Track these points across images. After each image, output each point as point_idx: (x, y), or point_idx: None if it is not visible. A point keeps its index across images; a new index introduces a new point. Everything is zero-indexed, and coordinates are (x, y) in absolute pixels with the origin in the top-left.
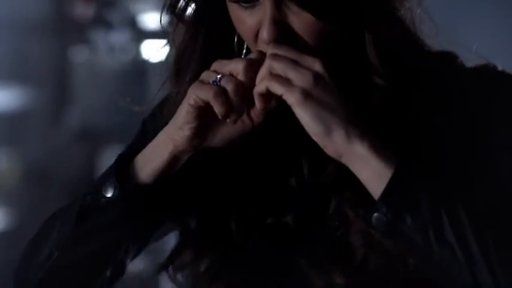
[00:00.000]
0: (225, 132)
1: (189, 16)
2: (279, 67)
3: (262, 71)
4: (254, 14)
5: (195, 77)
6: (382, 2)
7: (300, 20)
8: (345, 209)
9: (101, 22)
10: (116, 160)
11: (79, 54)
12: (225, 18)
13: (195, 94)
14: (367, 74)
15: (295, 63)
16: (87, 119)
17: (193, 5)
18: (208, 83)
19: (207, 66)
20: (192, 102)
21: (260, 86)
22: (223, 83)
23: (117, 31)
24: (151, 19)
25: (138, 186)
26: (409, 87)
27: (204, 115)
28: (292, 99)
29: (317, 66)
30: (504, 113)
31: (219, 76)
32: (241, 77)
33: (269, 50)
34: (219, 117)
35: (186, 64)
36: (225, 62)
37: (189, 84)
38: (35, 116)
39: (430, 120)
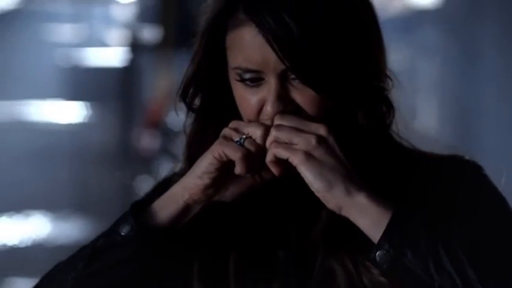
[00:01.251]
0: (236, 186)
1: (197, 105)
2: (284, 136)
3: (269, 141)
4: (259, 92)
5: None
6: (371, 82)
7: (302, 96)
8: (332, 264)
9: (166, 154)
10: (132, 205)
11: (144, 185)
12: (231, 103)
13: (222, 150)
14: (357, 133)
15: (299, 130)
16: None
17: (201, 95)
18: (232, 141)
19: None
20: (217, 155)
21: (269, 155)
22: (247, 144)
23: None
24: None
25: (153, 228)
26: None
27: (223, 168)
28: (296, 160)
29: (321, 130)
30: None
31: (243, 137)
32: (259, 141)
33: (275, 121)
34: (238, 173)
35: (197, 150)
36: (241, 123)
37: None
38: None
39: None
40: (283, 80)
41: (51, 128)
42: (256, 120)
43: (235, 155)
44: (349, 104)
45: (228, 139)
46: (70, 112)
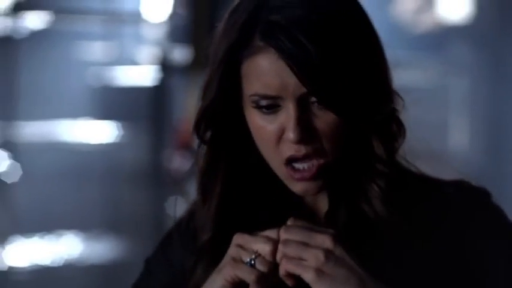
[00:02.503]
0: None
1: (209, 136)
2: (292, 251)
3: (278, 256)
4: (276, 119)
5: (221, 192)
6: (385, 101)
7: (322, 121)
8: None
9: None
10: None
11: (176, 207)
12: (243, 134)
13: (234, 274)
14: (373, 164)
15: (306, 245)
16: None
17: (212, 127)
18: (242, 262)
19: (230, 183)
20: (229, 279)
21: (281, 270)
22: (258, 265)
23: None
24: None
25: None
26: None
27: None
28: (308, 278)
29: (327, 243)
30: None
31: (253, 257)
32: (269, 258)
33: (281, 235)
34: None
35: (211, 181)
36: (247, 238)
37: (217, 198)
38: (132, 268)
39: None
40: (302, 105)
41: (82, 148)
42: (277, 149)
43: (249, 278)
44: (364, 126)
45: (238, 260)
46: (101, 131)
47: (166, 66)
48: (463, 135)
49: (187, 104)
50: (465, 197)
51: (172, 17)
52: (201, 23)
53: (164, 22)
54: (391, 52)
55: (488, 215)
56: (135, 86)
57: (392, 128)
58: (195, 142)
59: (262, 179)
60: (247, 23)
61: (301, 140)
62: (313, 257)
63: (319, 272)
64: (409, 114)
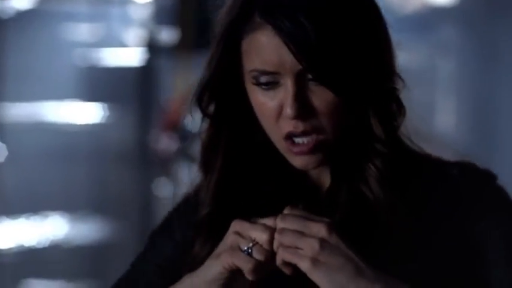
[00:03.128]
0: (241, 282)
1: (212, 110)
2: (288, 240)
3: (275, 245)
4: (276, 96)
5: (222, 167)
6: (385, 82)
7: (319, 98)
8: None
9: (184, 156)
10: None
11: (163, 188)
12: (245, 109)
13: (232, 261)
14: (372, 143)
15: (302, 234)
16: None
17: (215, 101)
18: (240, 250)
19: (232, 156)
20: (226, 266)
21: (278, 259)
22: (255, 254)
23: None
24: None
25: None
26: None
27: (232, 274)
28: (304, 267)
29: (322, 232)
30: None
31: (250, 245)
32: (266, 246)
33: (277, 223)
34: (249, 278)
35: (212, 155)
36: (245, 225)
37: (218, 173)
38: (118, 249)
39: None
40: (299, 82)
41: (69, 129)
42: (276, 124)
43: (246, 266)
44: (362, 105)
45: (235, 248)
46: (87, 112)
47: (153, 47)
48: (451, 117)
49: (174, 85)
50: (470, 178)
51: None
52: (188, 4)
53: (151, 3)
54: None
55: (493, 196)
56: (121, 66)
57: (391, 108)
58: (182, 123)
59: (265, 154)
60: (247, 1)
61: (298, 116)
62: (309, 246)
63: (314, 261)
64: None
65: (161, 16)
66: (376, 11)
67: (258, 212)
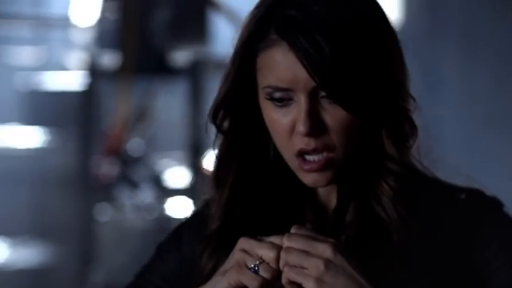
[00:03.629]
0: None
1: (226, 127)
2: (293, 259)
3: (281, 264)
4: (289, 113)
5: (233, 183)
6: (396, 101)
7: (332, 116)
8: None
9: (126, 181)
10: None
11: (104, 213)
12: (259, 127)
13: (238, 279)
14: (384, 162)
15: (307, 253)
16: (112, 277)
17: (230, 118)
18: (246, 267)
19: (244, 172)
20: (233, 283)
21: (283, 278)
22: (262, 272)
23: (142, 189)
24: (176, 176)
25: None
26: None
27: None
28: (309, 287)
29: (327, 252)
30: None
31: (257, 263)
32: (273, 264)
33: (283, 242)
34: None
35: (225, 171)
36: (252, 243)
37: (230, 188)
38: (59, 274)
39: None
40: (312, 99)
41: (10, 153)
42: (289, 141)
43: (252, 284)
44: (374, 124)
45: (242, 265)
46: (29, 137)
47: (94, 71)
48: None
49: (116, 109)
50: (477, 204)
51: (101, 21)
52: (129, 29)
53: (92, 27)
54: None
55: (499, 223)
56: (63, 91)
57: (404, 128)
58: (123, 148)
59: (277, 172)
60: (265, 16)
61: (310, 133)
62: (314, 266)
63: (319, 281)
64: None
65: (103, 40)
66: (390, 31)
67: (266, 228)
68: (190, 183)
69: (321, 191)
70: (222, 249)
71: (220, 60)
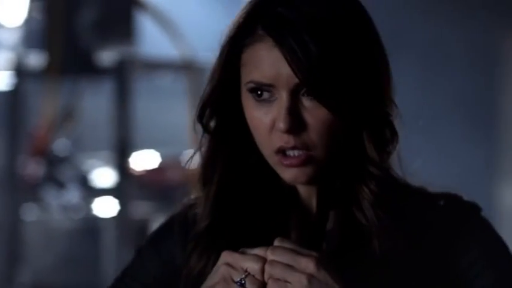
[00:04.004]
0: None
1: (213, 126)
2: (277, 273)
3: (265, 277)
4: (270, 111)
5: (220, 181)
6: (378, 106)
7: (312, 114)
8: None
9: (52, 181)
10: None
11: (30, 213)
12: (243, 125)
13: None
14: (365, 166)
15: (291, 268)
16: (39, 277)
17: (216, 117)
18: (233, 281)
19: (228, 173)
20: None
21: None
22: (248, 285)
23: (68, 189)
24: (102, 176)
25: None
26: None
27: None
28: None
29: (310, 267)
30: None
31: (243, 276)
32: (259, 276)
33: (268, 255)
34: None
35: (211, 169)
36: (236, 256)
37: (215, 187)
38: None
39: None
40: (294, 97)
41: None
42: (269, 138)
43: None
44: (355, 126)
45: (228, 279)
46: None
47: (21, 71)
48: None
49: (42, 109)
50: (456, 210)
51: (28, 21)
52: (56, 28)
53: (19, 27)
54: None
55: (479, 228)
56: None
57: (385, 133)
58: (49, 148)
59: (261, 172)
60: (253, 13)
61: (290, 130)
62: (297, 281)
63: None
64: None
65: (30, 40)
66: (376, 37)
67: (252, 229)
68: (117, 184)
69: (303, 194)
70: (212, 248)
71: (146, 60)
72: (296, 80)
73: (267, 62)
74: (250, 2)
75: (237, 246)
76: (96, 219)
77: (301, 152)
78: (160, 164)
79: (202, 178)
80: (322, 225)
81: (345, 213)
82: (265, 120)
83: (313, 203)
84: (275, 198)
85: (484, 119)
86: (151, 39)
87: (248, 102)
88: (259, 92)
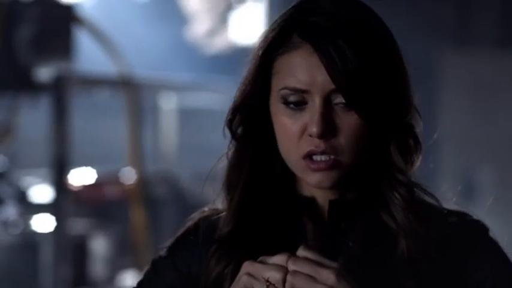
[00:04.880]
0: None
1: (240, 133)
2: (299, 284)
3: (287, 287)
4: (301, 117)
5: (244, 187)
6: (406, 114)
7: (343, 120)
8: None
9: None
10: None
11: None
12: (269, 134)
13: None
14: (393, 173)
15: (313, 279)
16: None
17: (245, 124)
18: None
19: (254, 178)
20: None
21: None
22: None
23: (6, 205)
24: (39, 193)
25: None
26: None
27: None
28: None
29: (331, 279)
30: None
31: (265, 286)
32: (280, 286)
33: (289, 266)
34: None
35: (236, 176)
36: (257, 266)
37: (239, 194)
38: None
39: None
40: (327, 103)
41: None
42: (297, 144)
43: None
44: (383, 135)
45: None
46: None
47: None
48: None
49: None
50: (468, 228)
51: None
52: None
53: None
54: (186, 75)
55: (488, 247)
56: None
57: (409, 143)
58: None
59: (281, 180)
60: (287, 23)
61: (322, 135)
62: None
63: None
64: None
65: None
66: (398, 49)
67: (271, 236)
68: (54, 200)
69: (320, 203)
70: (232, 253)
71: (84, 76)
72: (331, 86)
73: (302, 69)
74: (282, 15)
75: (255, 252)
76: (34, 234)
77: (328, 157)
78: (97, 180)
79: (227, 183)
80: (335, 235)
81: (372, 217)
82: (295, 126)
83: (326, 210)
84: (294, 206)
85: (423, 136)
86: (89, 56)
87: (278, 108)
88: (292, 100)
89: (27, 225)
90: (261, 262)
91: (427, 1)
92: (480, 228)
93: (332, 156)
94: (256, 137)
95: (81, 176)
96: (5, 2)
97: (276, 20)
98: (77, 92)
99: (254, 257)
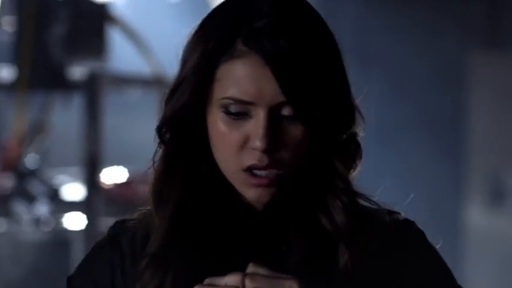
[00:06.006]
0: None
1: (170, 139)
2: None
3: None
4: (243, 127)
5: (177, 199)
6: (350, 121)
7: (289, 134)
8: None
9: (22, 194)
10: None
11: (0, 225)
12: (202, 141)
13: None
14: (333, 179)
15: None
16: None
17: (173, 130)
18: None
19: (187, 188)
20: None
21: None
22: None
23: (38, 203)
24: (71, 191)
25: None
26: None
27: None
28: None
29: None
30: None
31: None
32: None
33: (247, 284)
34: None
35: (168, 185)
36: (216, 278)
37: (173, 205)
38: None
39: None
40: (272, 115)
41: None
42: (237, 155)
43: None
44: (326, 144)
45: None
46: None
47: None
48: None
49: (12, 123)
50: (400, 227)
51: None
52: (26, 42)
53: None
54: None
55: (418, 241)
56: None
57: (351, 149)
58: (20, 162)
59: (217, 189)
60: (229, 29)
61: (267, 150)
62: None
63: None
64: None
65: (0, 53)
66: (341, 53)
67: (210, 246)
68: (86, 198)
69: (261, 210)
70: (168, 266)
71: (117, 75)
72: (280, 99)
73: (248, 79)
74: (214, 19)
75: (195, 265)
76: (65, 232)
77: (269, 172)
78: (129, 179)
79: (156, 194)
80: (280, 243)
81: (309, 223)
82: (235, 135)
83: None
84: (233, 216)
85: (451, 138)
86: (122, 55)
87: (217, 116)
88: (233, 110)
89: (59, 223)
90: (212, 285)
91: (458, 3)
92: (409, 224)
93: (274, 171)
94: (189, 143)
95: (113, 175)
96: (39, 0)
97: (209, 23)
98: (109, 90)
99: (193, 267)
